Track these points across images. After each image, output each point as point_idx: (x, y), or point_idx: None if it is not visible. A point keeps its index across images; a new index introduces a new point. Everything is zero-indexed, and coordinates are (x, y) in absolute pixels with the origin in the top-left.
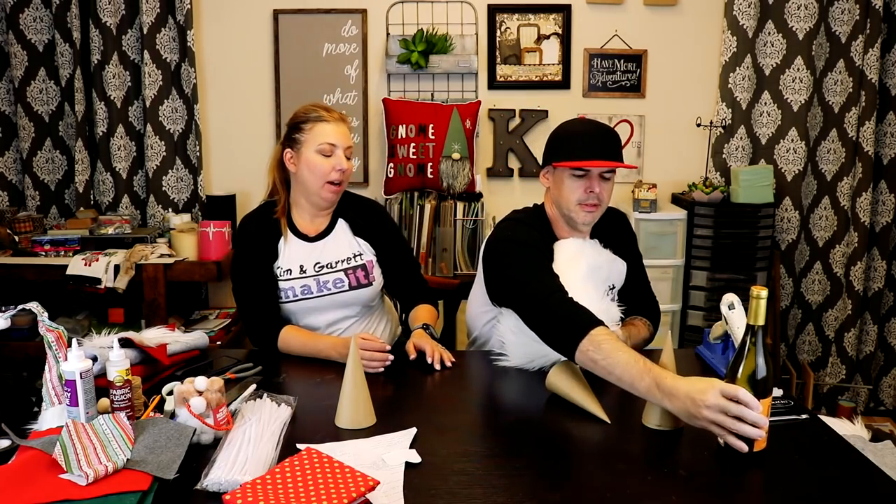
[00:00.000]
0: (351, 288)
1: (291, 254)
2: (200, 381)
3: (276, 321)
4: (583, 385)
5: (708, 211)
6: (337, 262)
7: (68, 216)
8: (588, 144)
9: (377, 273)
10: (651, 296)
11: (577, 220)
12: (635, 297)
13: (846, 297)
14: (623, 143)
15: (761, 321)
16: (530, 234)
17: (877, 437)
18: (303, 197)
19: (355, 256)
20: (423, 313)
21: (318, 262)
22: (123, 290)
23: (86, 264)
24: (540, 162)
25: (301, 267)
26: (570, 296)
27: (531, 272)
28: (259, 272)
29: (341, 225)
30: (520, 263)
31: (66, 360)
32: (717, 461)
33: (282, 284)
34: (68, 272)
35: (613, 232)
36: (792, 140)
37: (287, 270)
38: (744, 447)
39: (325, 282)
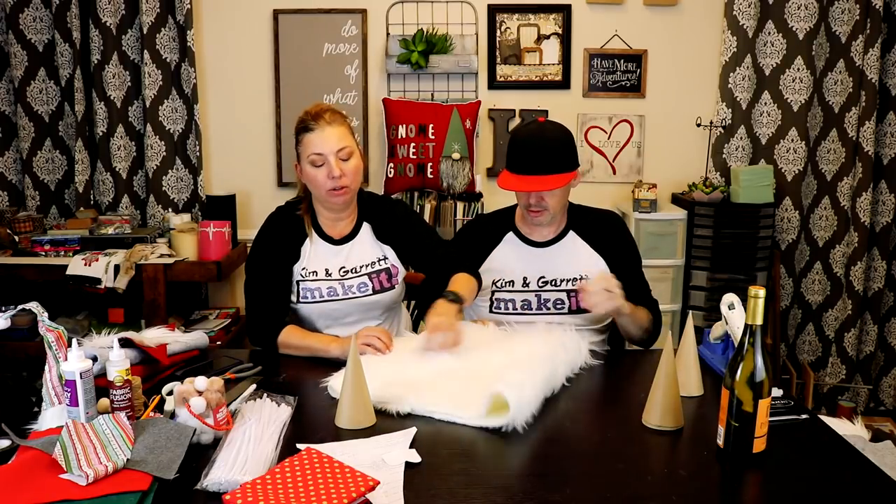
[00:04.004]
0: (374, 292)
1: (317, 256)
2: (200, 381)
3: (278, 322)
4: None
5: (708, 211)
6: (361, 267)
7: (68, 216)
8: (526, 159)
9: (400, 276)
10: (651, 300)
11: (528, 220)
12: (631, 299)
13: (846, 297)
14: (623, 143)
15: (759, 321)
16: (469, 229)
17: (877, 437)
18: (318, 202)
19: (379, 261)
20: (454, 282)
21: (343, 267)
22: (123, 290)
23: (86, 264)
24: None
25: (326, 270)
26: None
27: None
28: (273, 272)
29: (365, 229)
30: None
31: (66, 360)
32: (717, 461)
33: (308, 285)
34: (68, 272)
35: (602, 233)
36: (792, 140)
37: (312, 272)
38: None
39: (349, 286)
